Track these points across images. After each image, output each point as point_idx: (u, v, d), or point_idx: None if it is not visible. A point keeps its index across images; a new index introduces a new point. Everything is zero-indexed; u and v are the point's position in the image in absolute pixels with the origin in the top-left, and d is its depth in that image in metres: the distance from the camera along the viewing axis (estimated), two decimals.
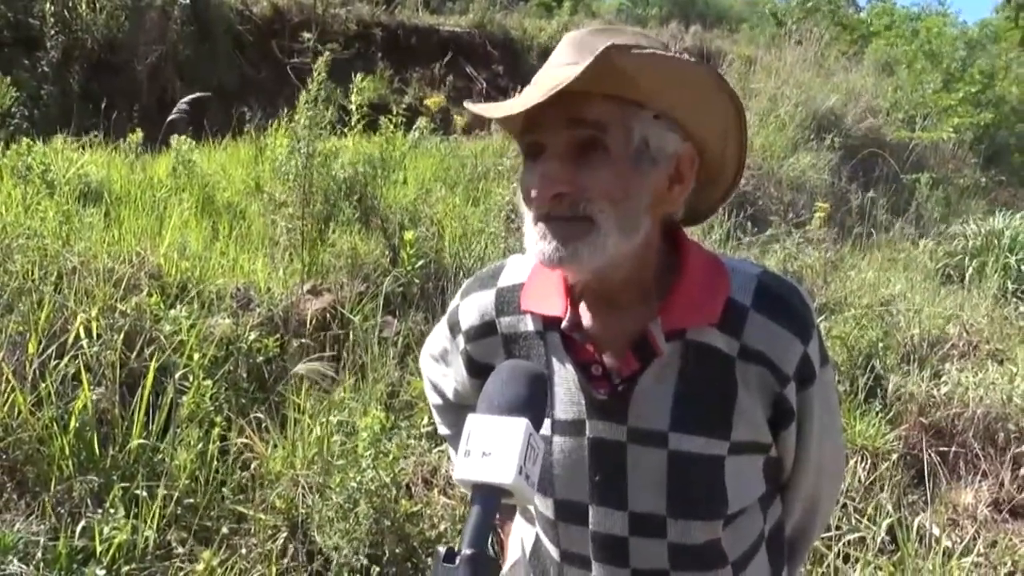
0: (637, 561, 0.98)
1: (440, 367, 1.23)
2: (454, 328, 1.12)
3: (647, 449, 0.95)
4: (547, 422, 1.00)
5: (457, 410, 1.27)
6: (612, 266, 0.92)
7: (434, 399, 1.30)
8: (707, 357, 0.94)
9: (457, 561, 0.66)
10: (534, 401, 0.77)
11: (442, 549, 0.67)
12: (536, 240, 0.91)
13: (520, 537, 1.16)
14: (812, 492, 1.08)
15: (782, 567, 1.08)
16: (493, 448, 0.71)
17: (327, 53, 4.09)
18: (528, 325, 1.03)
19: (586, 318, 0.98)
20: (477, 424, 0.74)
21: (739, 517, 0.98)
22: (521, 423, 0.72)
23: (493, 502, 0.70)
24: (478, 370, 1.10)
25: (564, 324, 0.98)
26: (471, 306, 1.09)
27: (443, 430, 1.33)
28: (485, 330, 1.07)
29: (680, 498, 0.95)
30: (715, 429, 0.94)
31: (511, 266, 1.09)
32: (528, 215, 0.93)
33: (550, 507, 1.02)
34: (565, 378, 0.99)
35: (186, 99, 5.23)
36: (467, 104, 0.95)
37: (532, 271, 1.04)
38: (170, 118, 5.18)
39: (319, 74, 3.85)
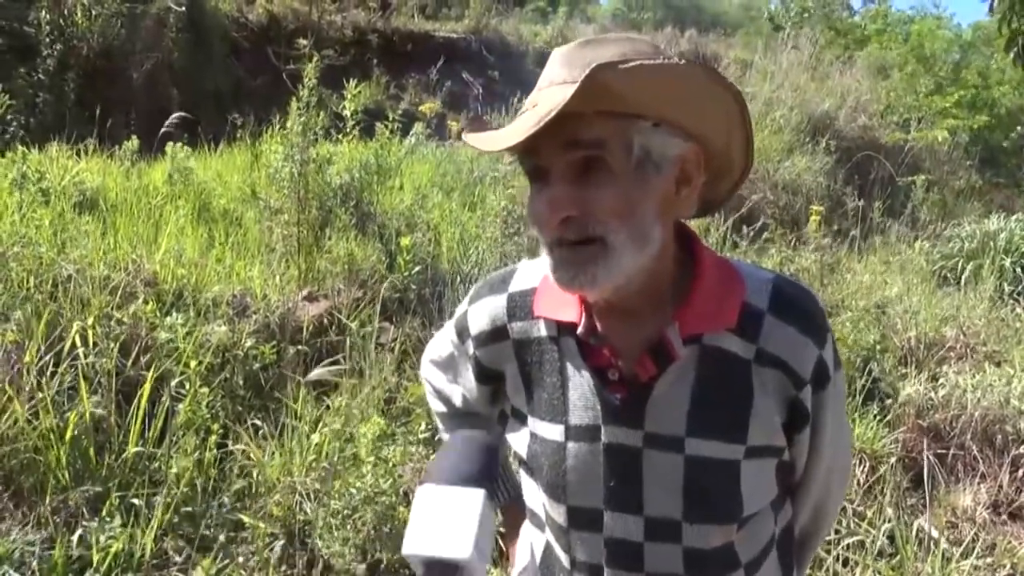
0: (652, 566, 0.97)
1: (445, 373, 1.22)
2: (462, 333, 1.11)
3: (664, 454, 0.95)
4: (560, 428, 1.00)
5: (462, 418, 1.25)
6: (629, 280, 0.91)
7: (437, 406, 1.28)
8: (723, 361, 0.94)
9: None
10: (488, 472, 0.75)
11: None
12: (552, 267, 0.91)
13: (529, 543, 1.15)
14: (822, 494, 1.08)
15: (792, 569, 1.08)
16: (447, 521, 0.67)
17: (316, 57, 4.09)
18: (541, 330, 1.02)
19: (602, 323, 0.98)
20: (430, 495, 0.69)
21: (752, 520, 0.98)
22: (478, 495, 0.69)
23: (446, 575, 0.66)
24: (487, 376, 1.09)
25: (580, 330, 0.97)
26: (481, 311, 1.08)
27: (446, 438, 1.32)
28: (496, 335, 1.06)
29: (696, 503, 0.94)
30: (731, 433, 0.94)
31: (522, 271, 1.09)
32: (540, 236, 0.92)
33: (563, 514, 1.01)
34: (580, 384, 0.99)
35: (175, 116, 5.27)
36: (465, 136, 0.93)
37: (544, 276, 1.03)
38: (163, 131, 5.20)
39: (310, 79, 3.85)
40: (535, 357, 1.02)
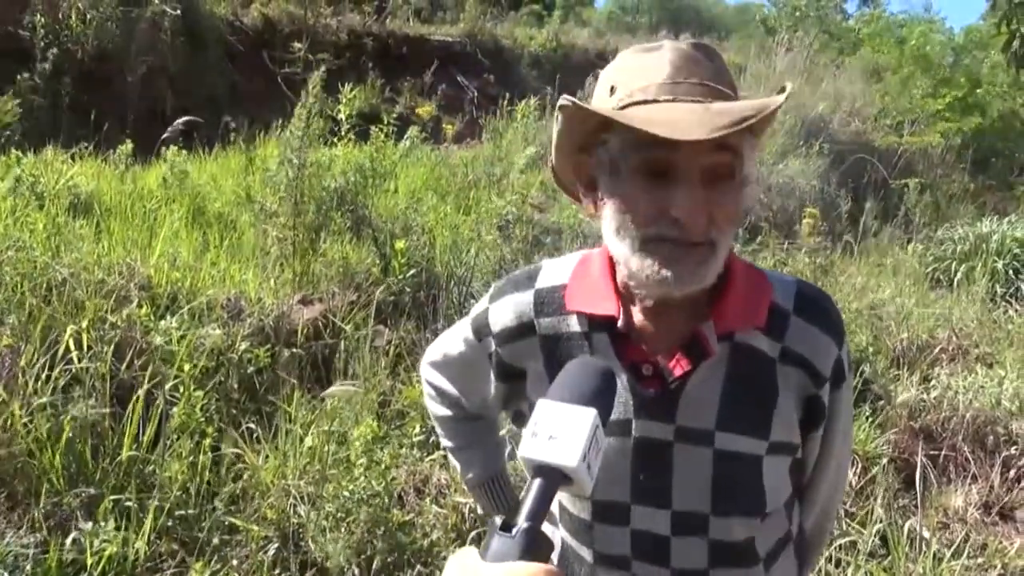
0: (678, 560, 0.99)
1: (453, 375, 1.21)
2: (481, 331, 1.11)
3: (694, 448, 0.97)
4: None
5: (468, 421, 1.25)
6: None
7: (440, 410, 1.26)
8: (752, 359, 0.98)
9: (514, 532, 0.66)
10: (604, 396, 0.78)
11: (498, 519, 0.68)
12: (656, 263, 0.90)
13: None
14: (831, 491, 1.12)
15: (805, 564, 1.12)
16: (560, 433, 0.72)
17: (323, 67, 4.11)
18: (572, 326, 1.03)
19: (638, 318, 1.00)
20: (546, 408, 0.75)
21: (770, 516, 1.01)
22: (590, 413, 0.73)
23: (553, 484, 0.71)
24: (507, 374, 1.09)
25: (620, 324, 0.99)
26: (505, 307, 1.08)
27: (446, 443, 1.30)
28: (522, 331, 1.06)
29: (723, 496, 0.97)
30: (757, 429, 0.97)
31: (548, 269, 1.09)
32: (634, 231, 0.91)
33: (586, 509, 1.02)
34: None
35: (181, 120, 5.29)
36: (614, 114, 0.88)
37: (573, 273, 1.05)
38: (164, 136, 5.21)
39: (315, 87, 3.87)
40: (564, 352, 1.02)
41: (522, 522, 0.67)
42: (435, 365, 1.24)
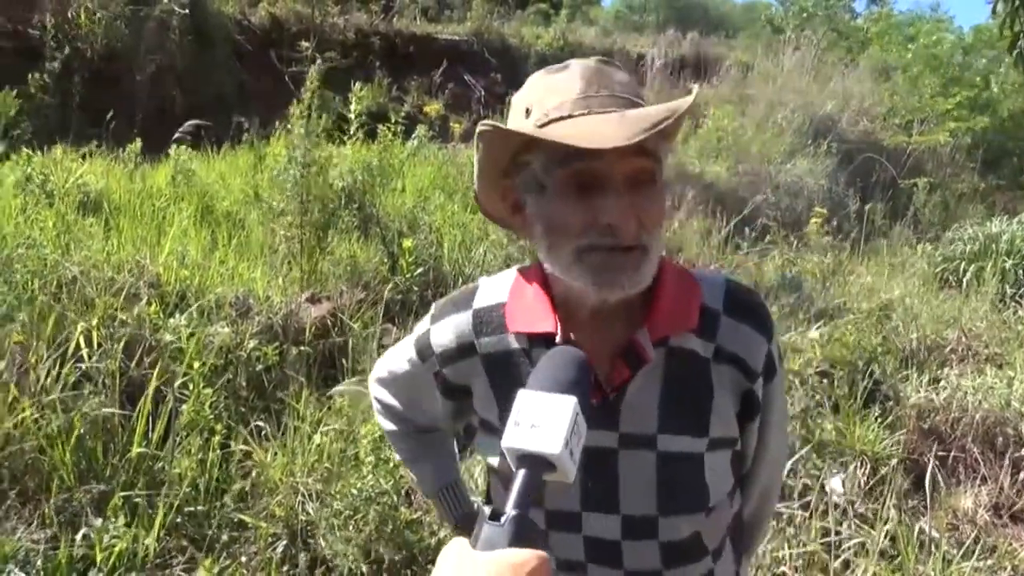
0: (630, 562, 1.01)
1: (401, 392, 1.22)
2: (423, 352, 1.12)
3: (638, 452, 0.99)
4: None
5: (418, 435, 1.27)
6: None
7: (388, 425, 1.28)
8: (686, 361, 1.00)
9: (503, 520, 0.67)
10: (581, 385, 0.79)
11: (487, 509, 0.69)
12: (592, 271, 0.93)
13: None
14: (768, 481, 1.15)
15: (742, 551, 1.14)
16: (542, 421, 0.73)
17: (320, 62, 4.12)
18: (512, 343, 1.05)
19: (576, 332, 1.01)
20: (528, 398, 0.76)
21: (715, 510, 1.03)
22: (570, 400, 0.75)
23: (537, 472, 0.72)
24: (453, 392, 1.11)
25: (559, 339, 1.00)
26: (445, 329, 1.09)
27: (398, 456, 1.35)
28: (462, 352, 1.08)
29: (669, 497, 0.99)
30: (696, 428, 1.00)
31: (485, 288, 1.11)
32: (567, 245, 0.93)
33: (540, 518, 1.03)
34: None
35: (190, 123, 5.31)
36: (536, 132, 0.91)
37: (511, 291, 1.07)
38: (175, 138, 5.23)
39: (312, 82, 3.88)
40: (506, 370, 1.04)
41: (510, 510, 0.68)
42: (382, 382, 1.25)
